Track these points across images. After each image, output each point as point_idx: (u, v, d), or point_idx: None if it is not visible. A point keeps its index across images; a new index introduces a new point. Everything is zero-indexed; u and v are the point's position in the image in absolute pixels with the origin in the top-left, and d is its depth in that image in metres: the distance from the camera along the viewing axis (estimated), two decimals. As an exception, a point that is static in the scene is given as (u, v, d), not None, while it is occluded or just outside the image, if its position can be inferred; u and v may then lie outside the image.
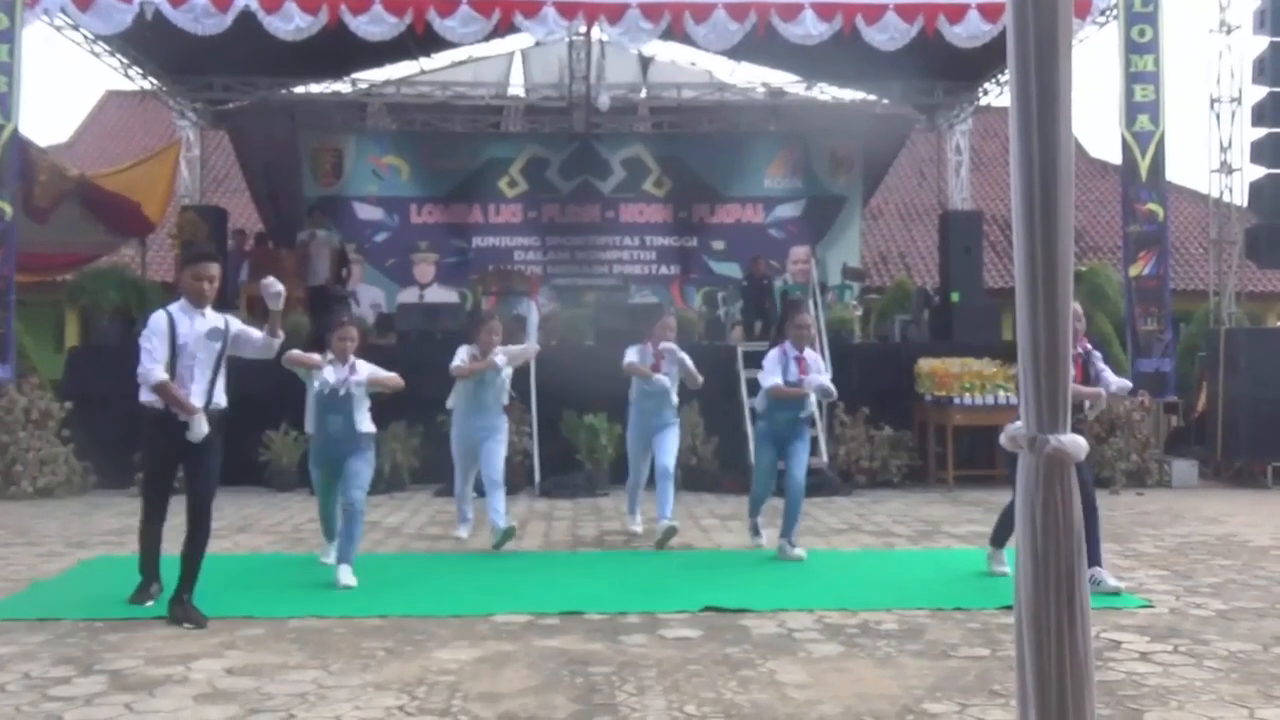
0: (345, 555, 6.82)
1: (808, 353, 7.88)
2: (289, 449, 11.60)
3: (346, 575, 6.71)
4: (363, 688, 4.57)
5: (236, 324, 6.34)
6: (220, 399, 6.16)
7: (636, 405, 8.64)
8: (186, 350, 6.03)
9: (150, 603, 6.12)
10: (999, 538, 6.96)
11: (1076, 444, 2.11)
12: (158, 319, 6.05)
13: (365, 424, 7.06)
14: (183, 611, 5.84)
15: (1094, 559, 6.35)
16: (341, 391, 7.00)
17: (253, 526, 9.02)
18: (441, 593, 6.56)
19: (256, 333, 6.36)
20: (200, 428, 5.88)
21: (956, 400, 12.01)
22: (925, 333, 14.68)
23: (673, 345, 8.48)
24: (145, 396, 6.04)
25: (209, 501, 6.12)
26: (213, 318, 6.18)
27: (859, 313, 15.47)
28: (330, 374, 7.02)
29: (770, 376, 7.76)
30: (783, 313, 8.63)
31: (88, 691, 4.51)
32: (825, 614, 5.95)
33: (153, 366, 5.93)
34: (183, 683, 4.65)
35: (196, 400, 6.00)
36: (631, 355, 8.54)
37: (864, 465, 12.12)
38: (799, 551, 7.69)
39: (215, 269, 6.19)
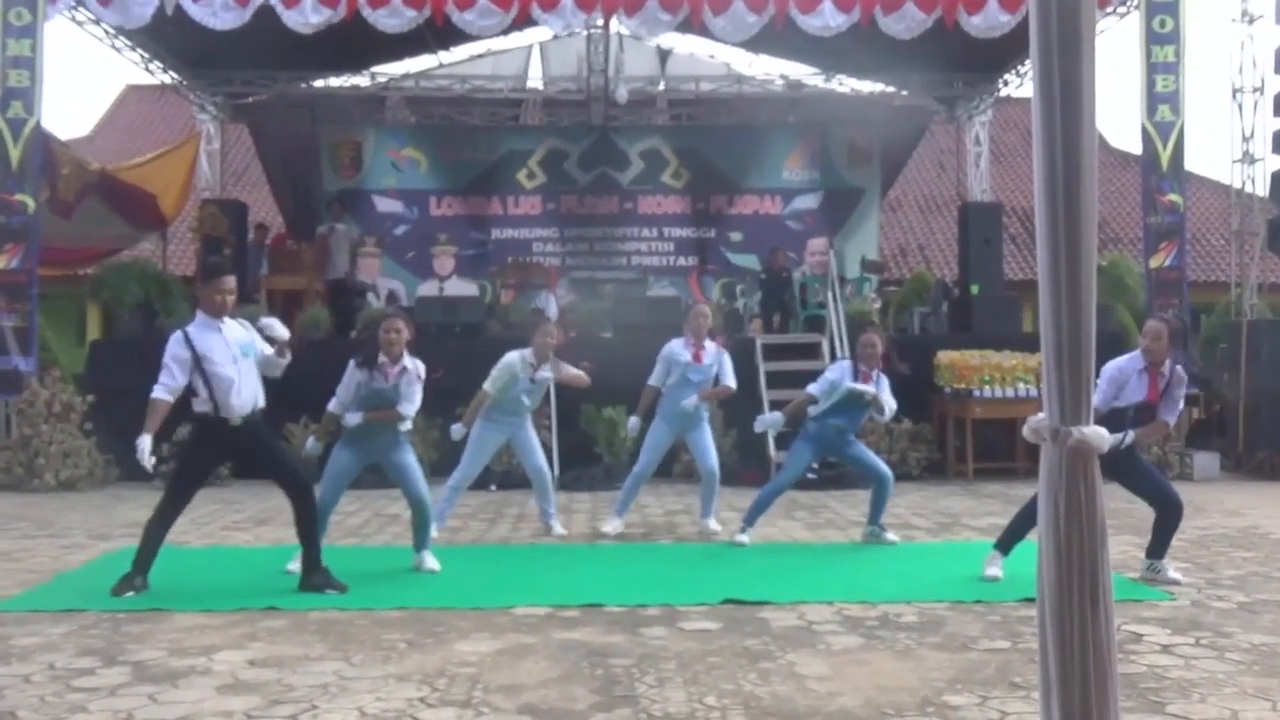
0: (424, 543, 7.19)
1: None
2: (309, 442, 11.63)
3: (431, 560, 7.09)
4: (384, 679, 4.59)
5: (256, 334, 6.57)
6: (261, 400, 6.51)
7: (670, 395, 8.59)
8: (213, 362, 6.27)
9: (131, 594, 6.21)
10: (1007, 543, 6.69)
11: (1099, 435, 2.11)
12: (175, 342, 6.32)
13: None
14: (323, 579, 6.32)
15: (1157, 551, 6.68)
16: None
17: (274, 519, 9.07)
18: (461, 585, 6.59)
19: (268, 348, 6.56)
20: (141, 448, 6.16)
21: (976, 393, 11.97)
22: (944, 325, 14.63)
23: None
24: (199, 406, 6.34)
25: (300, 478, 6.51)
26: (236, 329, 6.45)
27: (877, 305, 15.42)
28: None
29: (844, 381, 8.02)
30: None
31: (111, 682, 4.54)
32: (845, 606, 5.95)
33: (157, 388, 6.24)
34: (205, 674, 4.68)
35: (244, 405, 6.34)
36: (675, 348, 8.58)
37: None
38: (891, 535, 8.15)
39: (234, 282, 6.49)
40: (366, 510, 9.71)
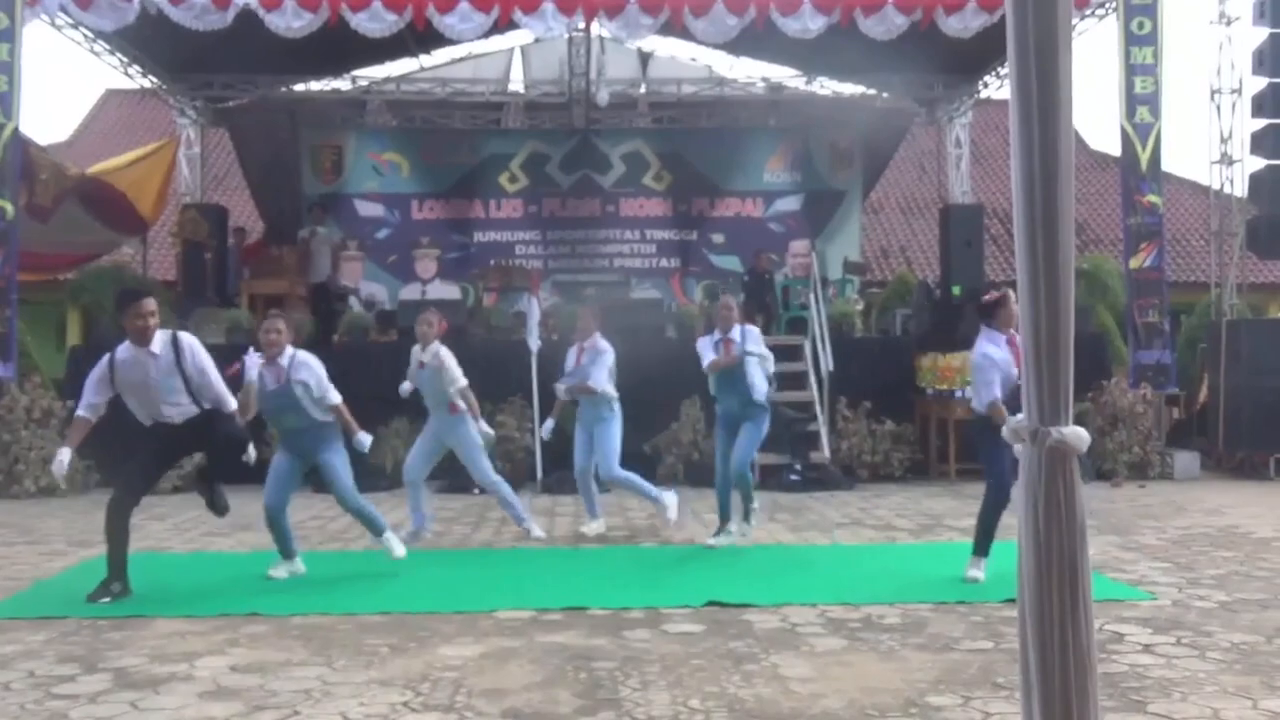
0: (377, 530, 7.17)
1: (734, 332, 8.05)
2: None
3: (396, 545, 7.12)
4: (367, 684, 4.58)
5: (189, 355, 6.45)
6: (213, 401, 6.50)
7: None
8: (134, 386, 6.47)
9: (108, 599, 6.19)
10: (982, 544, 6.70)
11: (1078, 436, 2.12)
12: (99, 365, 6.60)
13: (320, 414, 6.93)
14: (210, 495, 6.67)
15: (981, 549, 6.68)
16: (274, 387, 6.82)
17: (255, 524, 9.00)
18: (444, 589, 6.57)
19: (214, 385, 6.48)
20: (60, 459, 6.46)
21: (958, 394, 11.98)
22: (926, 326, 14.64)
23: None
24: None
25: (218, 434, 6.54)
26: (161, 352, 6.41)
27: (860, 307, 15.45)
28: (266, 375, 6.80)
29: (706, 356, 8.00)
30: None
31: (92, 689, 4.52)
32: (828, 608, 5.96)
33: (79, 407, 6.69)
34: (187, 680, 4.66)
35: (147, 417, 6.56)
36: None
37: (866, 460, 12.11)
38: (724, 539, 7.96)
39: (152, 304, 6.49)
40: (347, 515, 9.66)
